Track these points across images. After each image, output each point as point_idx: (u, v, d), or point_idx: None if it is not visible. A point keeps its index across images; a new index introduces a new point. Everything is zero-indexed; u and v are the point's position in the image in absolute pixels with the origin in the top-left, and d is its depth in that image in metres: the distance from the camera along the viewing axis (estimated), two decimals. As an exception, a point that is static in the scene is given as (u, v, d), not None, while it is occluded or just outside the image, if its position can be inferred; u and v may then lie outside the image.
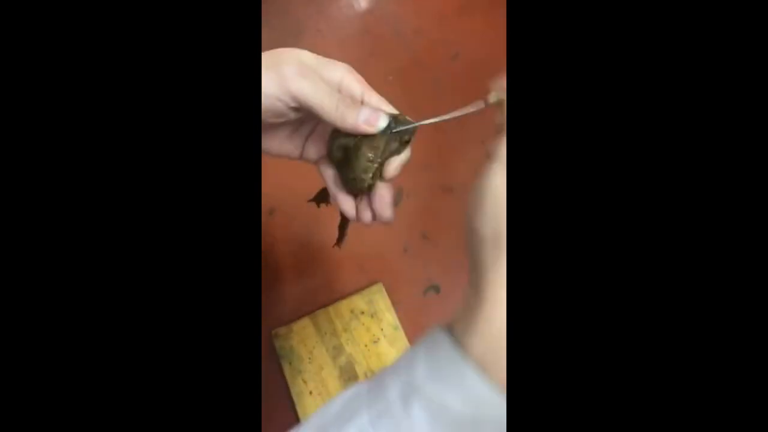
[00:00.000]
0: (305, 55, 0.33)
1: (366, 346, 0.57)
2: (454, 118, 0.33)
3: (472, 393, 0.19)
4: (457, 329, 0.21)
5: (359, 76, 0.34)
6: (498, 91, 0.29)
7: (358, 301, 0.59)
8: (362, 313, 0.59)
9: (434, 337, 0.22)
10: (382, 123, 0.32)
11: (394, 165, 0.34)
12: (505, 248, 0.20)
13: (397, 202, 0.69)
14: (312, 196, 0.44)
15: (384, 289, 0.60)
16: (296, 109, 0.32)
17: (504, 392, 0.19)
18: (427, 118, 0.34)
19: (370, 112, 0.32)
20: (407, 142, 0.34)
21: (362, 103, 0.33)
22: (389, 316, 0.59)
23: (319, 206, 0.44)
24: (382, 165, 0.34)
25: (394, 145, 0.33)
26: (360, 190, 0.35)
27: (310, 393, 0.54)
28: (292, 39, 0.79)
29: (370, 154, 0.33)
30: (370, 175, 0.33)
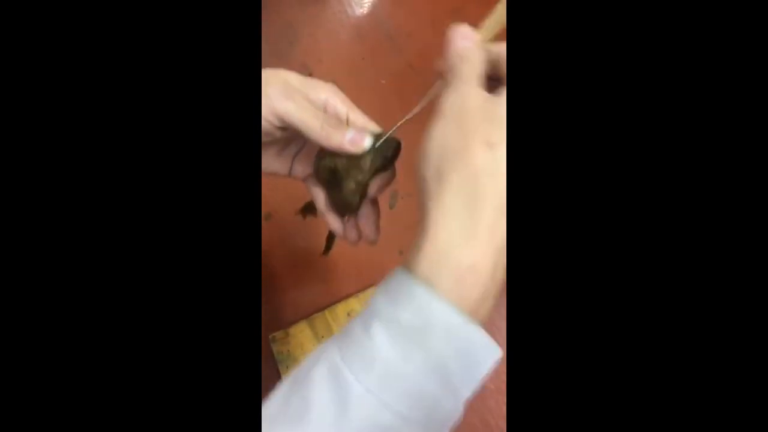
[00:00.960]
0: (291, 76, 0.34)
1: (363, 348, 0.57)
2: (423, 108, 0.33)
3: (421, 305, 0.22)
4: (409, 259, 0.24)
5: (344, 96, 0.35)
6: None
7: (355, 304, 0.59)
8: (359, 315, 0.59)
9: (392, 273, 0.25)
10: (367, 143, 0.32)
11: (378, 184, 0.34)
12: (446, 182, 0.23)
13: (392, 205, 0.69)
14: (301, 206, 0.44)
15: (380, 292, 0.61)
16: (283, 129, 0.33)
17: (449, 299, 0.22)
18: (398, 122, 0.34)
19: (356, 133, 0.32)
20: (393, 158, 0.34)
21: (348, 122, 0.34)
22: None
23: (305, 218, 0.44)
24: (367, 184, 0.34)
25: (379, 162, 0.33)
26: (347, 211, 0.36)
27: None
28: (287, 45, 0.80)
29: (359, 177, 0.33)
30: (357, 197, 0.34)
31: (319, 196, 0.38)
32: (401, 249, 0.65)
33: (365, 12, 0.84)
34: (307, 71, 0.77)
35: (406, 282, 0.23)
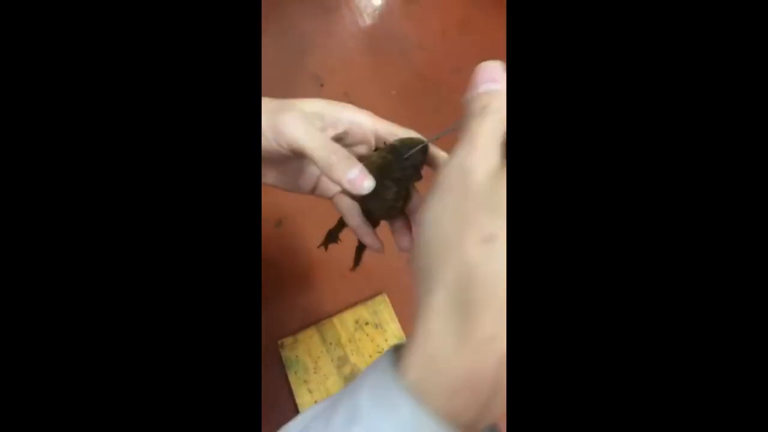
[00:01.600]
0: (310, 104, 0.34)
1: (371, 356, 0.57)
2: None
3: (405, 421, 0.19)
4: (403, 352, 0.21)
5: (377, 120, 0.36)
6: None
7: (363, 312, 0.60)
8: (367, 323, 0.59)
9: (383, 358, 0.22)
10: (368, 185, 0.31)
11: (403, 239, 0.36)
12: (437, 279, 0.20)
13: (401, 213, 0.70)
14: (324, 234, 0.44)
15: (388, 300, 0.61)
16: (298, 153, 0.33)
17: (437, 416, 0.19)
18: (434, 135, 0.35)
19: (358, 173, 0.31)
20: (421, 164, 0.34)
21: (375, 135, 0.35)
22: (393, 327, 0.59)
23: (326, 249, 0.44)
24: (408, 192, 0.34)
25: (409, 170, 0.33)
26: (387, 218, 0.37)
27: (315, 402, 0.55)
28: (299, 55, 0.81)
29: (394, 188, 0.33)
30: (400, 203, 0.34)
31: (352, 211, 0.38)
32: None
33: (376, 23, 0.86)
34: (318, 82, 0.79)
35: (395, 389, 0.20)
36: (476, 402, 0.19)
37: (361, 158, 0.34)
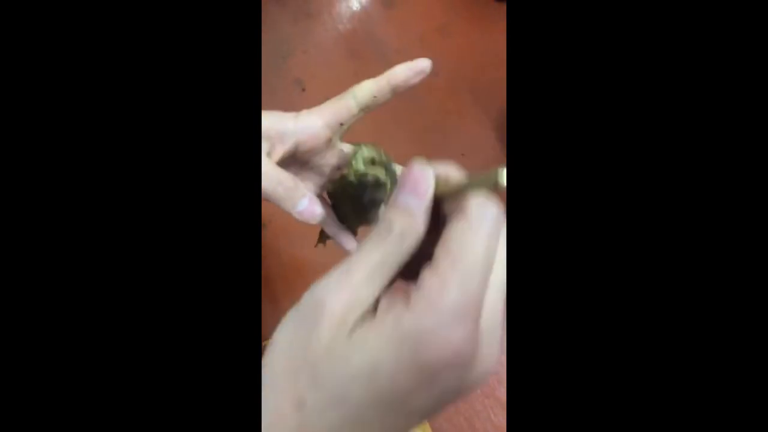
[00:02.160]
0: (275, 121, 0.33)
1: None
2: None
3: None
4: None
5: (320, 115, 0.35)
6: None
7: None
8: (352, 320, 0.60)
9: None
10: (318, 213, 0.32)
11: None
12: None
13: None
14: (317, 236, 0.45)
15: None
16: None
17: None
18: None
19: (307, 204, 0.32)
20: (380, 201, 0.34)
21: (329, 135, 0.36)
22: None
23: (325, 245, 0.44)
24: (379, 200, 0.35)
25: (371, 204, 0.34)
26: (366, 224, 0.37)
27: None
28: (281, 60, 0.83)
29: (377, 194, 0.34)
30: (372, 213, 0.35)
31: (328, 220, 0.37)
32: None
33: (356, 28, 0.88)
34: (300, 86, 0.80)
35: None
36: None
37: (331, 179, 0.35)
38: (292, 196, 0.31)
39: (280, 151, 0.34)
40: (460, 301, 0.15)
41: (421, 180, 0.18)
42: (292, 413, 0.16)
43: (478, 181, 0.18)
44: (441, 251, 0.16)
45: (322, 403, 0.16)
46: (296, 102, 0.79)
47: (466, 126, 0.78)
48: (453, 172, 0.19)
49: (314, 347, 0.16)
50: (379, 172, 0.34)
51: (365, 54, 0.85)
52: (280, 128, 0.34)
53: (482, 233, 0.16)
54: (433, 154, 0.83)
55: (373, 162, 0.35)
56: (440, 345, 0.15)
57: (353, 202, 0.34)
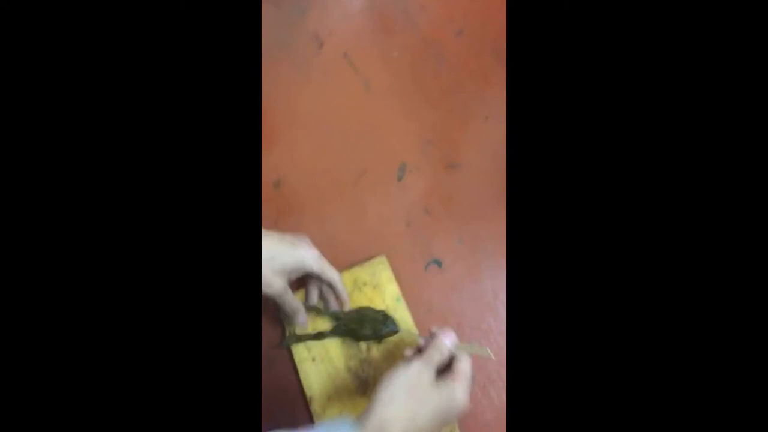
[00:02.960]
0: (266, 250, 0.50)
1: (368, 316, 0.59)
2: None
3: None
4: (363, 415, 0.41)
5: (316, 259, 0.55)
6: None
7: (361, 273, 0.61)
8: (365, 284, 0.60)
9: (351, 423, 0.41)
10: (305, 322, 0.57)
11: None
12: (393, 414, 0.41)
13: (400, 177, 0.70)
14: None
15: (387, 262, 0.62)
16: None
17: None
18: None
19: (304, 320, 0.57)
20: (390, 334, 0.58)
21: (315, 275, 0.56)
22: (392, 288, 0.60)
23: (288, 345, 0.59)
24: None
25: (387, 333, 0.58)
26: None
27: (313, 359, 0.56)
28: (297, 15, 0.79)
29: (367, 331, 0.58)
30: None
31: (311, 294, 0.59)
32: (408, 221, 0.66)
33: (378, -18, 0.83)
34: (318, 42, 0.77)
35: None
36: None
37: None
38: (297, 315, 0.56)
39: (280, 271, 0.52)
40: (466, 389, 0.45)
41: (448, 338, 0.48)
42: (409, 412, 0.41)
43: (472, 347, 0.49)
44: (456, 372, 0.45)
45: (426, 411, 0.42)
46: (312, 60, 0.76)
47: (491, 88, 0.74)
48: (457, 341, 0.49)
49: (424, 385, 0.43)
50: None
51: (387, 9, 0.81)
52: (286, 256, 0.52)
53: (469, 369, 0.46)
54: (455, 118, 0.80)
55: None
56: (460, 404, 0.44)
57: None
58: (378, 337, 0.57)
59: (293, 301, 0.54)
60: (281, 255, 0.51)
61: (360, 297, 0.59)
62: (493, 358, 0.51)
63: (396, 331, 0.57)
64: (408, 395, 0.42)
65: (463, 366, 0.46)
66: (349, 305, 0.58)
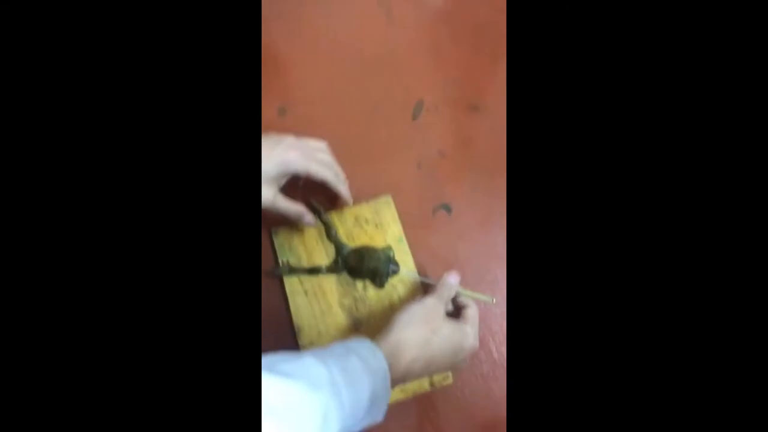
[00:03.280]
0: (273, 166, 0.48)
1: (367, 255, 0.55)
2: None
3: (378, 359, 0.40)
4: (380, 335, 0.43)
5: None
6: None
7: (364, 210, 0.57)
8: (366, 221, 0.56)
9: (370, 341, 0.42)
10: (312, 221, 0.52)
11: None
12: (409, 336, 0.43)
13: (415, 115, 0.65)
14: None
15: (392, 202, 0.58)
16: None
17: (388, 365, 0.40)
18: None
19: (309, 219, 0.52)
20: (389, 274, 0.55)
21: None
22: (395, 228, 0.56)
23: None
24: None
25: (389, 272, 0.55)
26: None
27: (305, 293, 0.53)
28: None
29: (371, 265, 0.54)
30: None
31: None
32: (420, 162, 0.62)
33: None
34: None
35: (375, 347, 0.41)
36: (405, 371, 0.42)
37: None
38: (301, 217, 0.51)
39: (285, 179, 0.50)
40: (475, 333, 0.47)
41: (455, 281, 0.49)
42: (430, 333, 0.43)
43: (477, 295, 0.50)
44: (467, 316, 0.47)
45: (442, 337, 0.44)
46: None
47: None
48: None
49: (439, 315, 0.45)
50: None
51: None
52: (286, 167, 0.49)
53: (477, 315, 0.48)
54: (482, 57, 0.73)
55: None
56: (471, 342, 0.46)
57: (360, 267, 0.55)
58: (377, 277, 0.53)
59: (289, 205, 0.50)
60: (263, 163, 0.46)
61: (361, 234, 0.56)
62: (493, 302, 0.50)
63: (397, 272, 0.53)
64: (423, 322, 0.43)
65: (472, 312, 0.47)
66: (351, 241, 0.55)
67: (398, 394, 0.49)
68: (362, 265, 0.53)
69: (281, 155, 0.48)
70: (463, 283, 0.51)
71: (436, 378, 0.50)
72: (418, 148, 0.63)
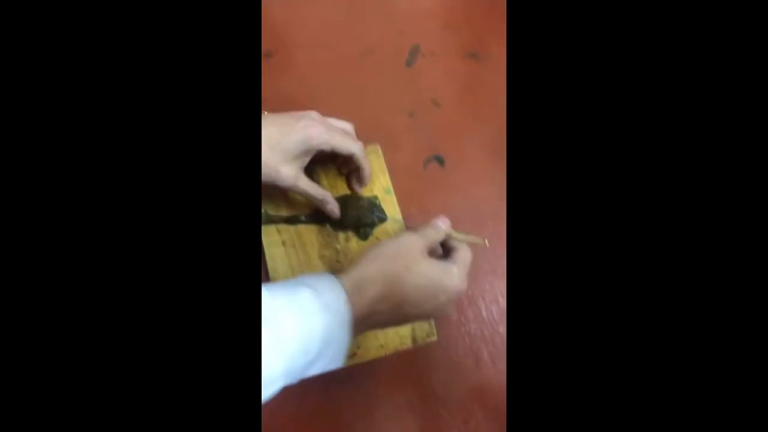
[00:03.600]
0: (294, 139, 0.44)
1: (351, 206, 0.52)
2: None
3: (335, 294, 0.35)
4: (345, 272, 0.38)
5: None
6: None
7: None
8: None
9: (332, 278, 0.37)
10: (337, 213, 0.49)
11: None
12: (377, 270, 0.37)
13: (409, 62, 0.61)
14: None
15: (380, 151, 0.54)
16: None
17: (348, 301, 0.35)
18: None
19: (332, 206, 0.48)
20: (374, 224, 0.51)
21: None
22: (383, 179, 0.53)
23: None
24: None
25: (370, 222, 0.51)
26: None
27: (283, 243, 0.50)
28: None
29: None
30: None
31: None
32: (413, 111, 0.58)
33: None
34: None
35: (335, 282, 0.36)
36: (368, 308, 0.36)
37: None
38: (324, 202, 0.47)
39: (310, 153, 0.46)
40: (464, 275, 0.39)
41: (443, 224, 0.42)
42: (403, 270, 0.37)
43: (469, 237, 0.42)
44: (455, 257, 0.40)
45: (419, 274, 0.37)
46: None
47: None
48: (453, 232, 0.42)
49: (416, 251, 0.38)
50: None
51: None
52: (313, 142, 0.45)
53: (469, 257, 0.40)
54: (487, 1, 0.68)
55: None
56: (456, 282, 0.38)
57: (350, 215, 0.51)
58: (362, 227, 0.50)
59: (313, 187, 0.46)
60: (282, 139, 0.43)
61: (343, 184, 0.52)
62: (486, 244, 0.42)
63: (384, 220, 0.50)
64: (395, 257, 0.38)
65: (463, 254, 0.40)
66: (369, 181, 0.50)
67: (378, 350, 0.46)
68: (345, 213, 0.49)
69: (303, 131, 0.43)
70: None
71: (419, 334, 0.47)
72: (412, 96, 0.59)
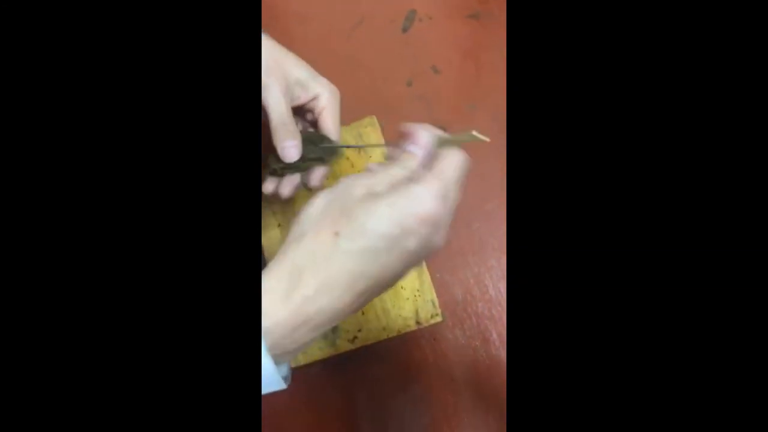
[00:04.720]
0: (297, 71, 0.41)
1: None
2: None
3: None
4: (268, 267, 0.27)
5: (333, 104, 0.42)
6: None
7: (346, 134, 0.50)
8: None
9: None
10: (293, 156, 0.39)
11: (316, 176, 0.42)
12: (300, 242, 0.26)
13: (405, 27, 0.57)
14: None
15: (377, 123, 0.51)
16: None
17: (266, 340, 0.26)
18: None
19: (292, 147, 0.39)
20: (322, 160, 0.41)
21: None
22: (378, 152, 0.50)
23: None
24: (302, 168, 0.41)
25: (316, 157, 0.41)
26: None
27: (279, 226, 0.48)
28: None
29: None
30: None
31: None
32: (411, 79, 0.54)
33: None
34: None
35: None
36: (291, 335, 0.26)
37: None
38: (286, 136, 0.39)
39: (304, 99, 0.41)
40: (439, 192, 0.26)
41: (423, 137, 0.29)
42: (330, 239, 0.25)
43: (456, 137, 0.29)
44: (432, 169, 0.27)
45: (353, 233, 0.25)
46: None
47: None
48: (441, 133, 0.30)
49: (349, 201, 0.26)
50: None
51: None
52: (312, 87, 0.41)
53: (456, 164, 0.27)
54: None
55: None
56: (425, 207, 0.25)
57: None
58: (322, 158, 0.41)
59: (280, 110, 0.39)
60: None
61: (341, 160, 0.50)
62: (487, 140, 0.27)
63: (338, 146, 0.41)
64: (317, 226, 0.26)
65: (445, 162, 0.27)
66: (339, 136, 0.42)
67: (380, 333, 0.44)
68: (308, 153, 0.40)
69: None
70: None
71: (423, 315, 0.45)
72: (409, 63, 0.55)
